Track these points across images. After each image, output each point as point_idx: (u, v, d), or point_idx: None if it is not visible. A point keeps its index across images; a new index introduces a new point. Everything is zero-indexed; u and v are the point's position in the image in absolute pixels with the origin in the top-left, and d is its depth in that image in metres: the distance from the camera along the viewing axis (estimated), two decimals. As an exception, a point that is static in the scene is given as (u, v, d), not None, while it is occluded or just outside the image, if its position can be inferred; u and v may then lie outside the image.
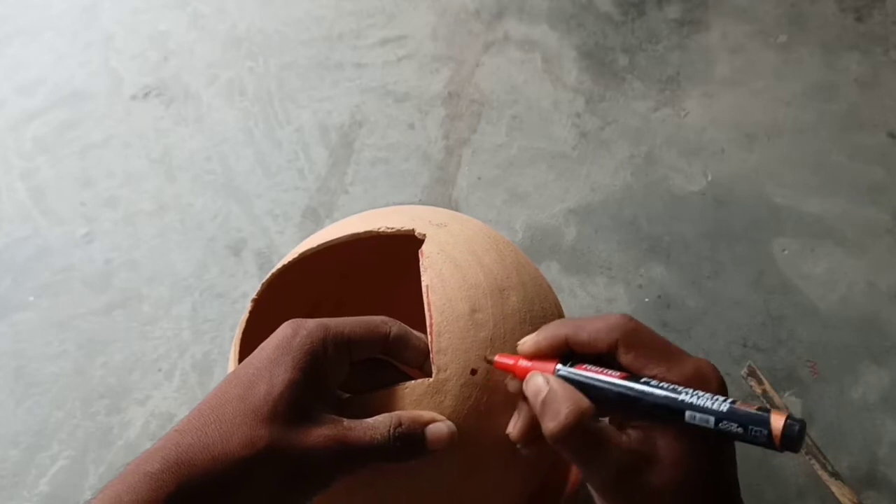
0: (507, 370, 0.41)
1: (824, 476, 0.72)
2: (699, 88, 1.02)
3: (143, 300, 0.86)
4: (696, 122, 0.98)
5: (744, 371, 0.78)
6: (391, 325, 0.40)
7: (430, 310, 0.42)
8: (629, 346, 0.38)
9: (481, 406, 0.41)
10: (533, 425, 0.40)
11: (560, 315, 0.48)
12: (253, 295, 0.48)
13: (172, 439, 0.36)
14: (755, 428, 0.33)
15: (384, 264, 0.52)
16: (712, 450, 0.37)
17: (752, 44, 1.06)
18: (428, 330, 0.41)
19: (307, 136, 0.99)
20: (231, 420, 0.36)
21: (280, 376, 0.37)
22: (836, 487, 0.71)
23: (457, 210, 0.91)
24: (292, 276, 0.48)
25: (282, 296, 0.50)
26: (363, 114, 1.01)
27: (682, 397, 0.35)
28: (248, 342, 0.47)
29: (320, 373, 0.38)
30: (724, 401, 0.35)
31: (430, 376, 0.41)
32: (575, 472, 0.62)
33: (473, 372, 0.41)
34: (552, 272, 0.86)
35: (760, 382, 0.77)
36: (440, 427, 0.39)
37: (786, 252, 0.87)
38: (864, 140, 0.96)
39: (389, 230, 0.46)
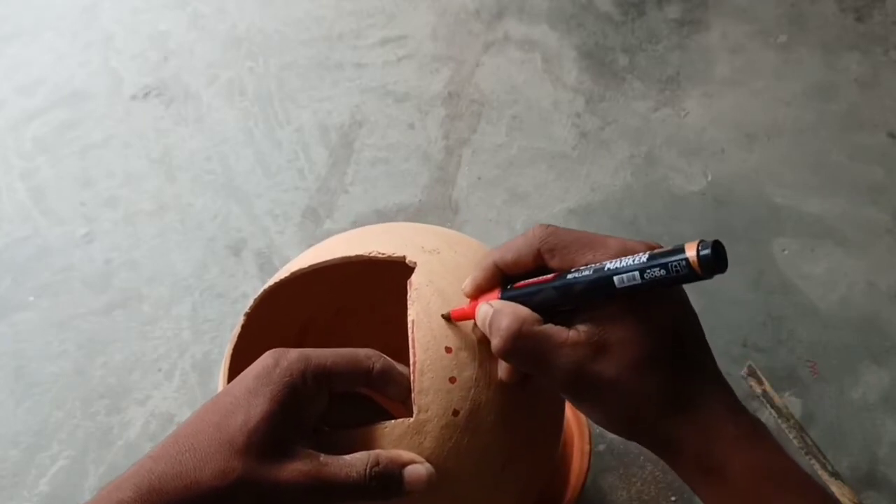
0: (464, 318, 0.42)
1: (824, 476, 0.72)
2: (699, 88, 1.02)
3: (143, 300, 0.86)
4: (696, 122, 0.98)
5: (744, 371, 0.78)
6: (375, 359, 0.40)
7: (414, 347, 0.41)
8: (551, 249, 0.39)
9: (462, 448, 0.40)
10: None
11: None
12: (246, 309, 0.48)
13: (146, 466, 0.35)
14: (674, 263, 0.34)
15: (381, 276, 0.51)
16: (664, 323, 0.37)
17: (752, 44, 1.06)
18: (411, 368, 0.40)
19: (307, 136, 0.99)
20: (206, 449, 0.36)
21: (257, 407, 0.36)
22: (836, 487, 0.71)
23: (457, 210, 0.91)
24: (287, 288, 0.48)
25: (276, 307, 0.49)
26: (363, 114, 1.01)
27: (607, 267, 0.36)
28: (242, 354, 0.47)
29: (299, 405, 0.37)
30: (644, 254, 0.36)
31: (413, 413, 0.40)
32: (573, 483, 0.62)
33: (455, 413, 0.40)
34: (552, 272, 0.86)
35: (760, 382, 0.77)
36: (418, 469, 0.38)
37: (786, 252, 0.87)
38: (864, 140, 0.96)
39: (381, 256, 0.45)
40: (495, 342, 0.38)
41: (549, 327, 0.38)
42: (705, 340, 0.39)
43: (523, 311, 0.38)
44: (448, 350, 0.41)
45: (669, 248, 0.35)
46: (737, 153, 0.95)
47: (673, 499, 0.72)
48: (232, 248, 0.90)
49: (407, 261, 0.45)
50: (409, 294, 0.43)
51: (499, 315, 0.38)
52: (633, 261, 0.36)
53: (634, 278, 0.35)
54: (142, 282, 0.87)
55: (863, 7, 1.08)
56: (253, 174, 0.96)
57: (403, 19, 1.11)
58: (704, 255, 0.33)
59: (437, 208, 0.92)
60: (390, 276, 0.46)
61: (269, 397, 0.36)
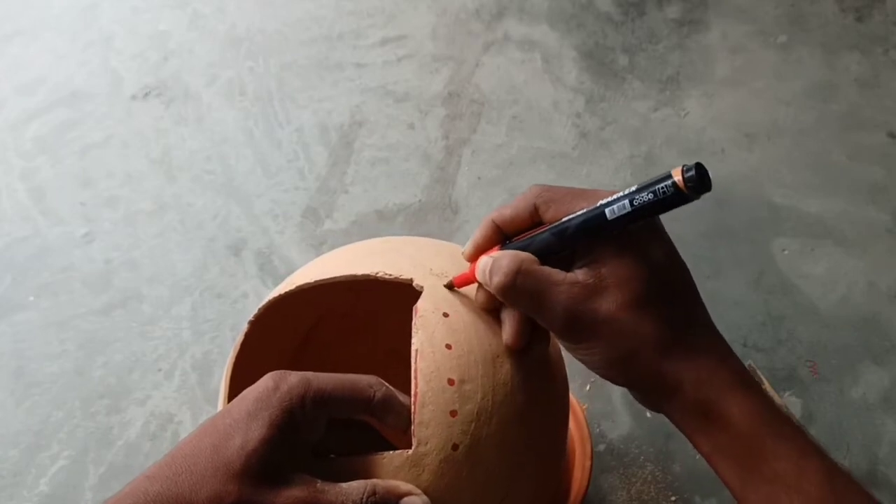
0: (466, 282, 0.43)
1: (824, 476, 0.72)
2: (699, 88, 1.02)
3: (143, 300, 0.86)
4: (696, 122, 0.98)
5: (744, 371, 0.78)
6: (376, 388, 0.39)
7: (416, 377, 0.40)
8: (547, 202, 0.40)
9: (460, 482, 0.40)
10: (522, 324, 0.42)
11: (560, 378, 0.48)
12: (250, 317, 0.47)
13: (141, 486, 0.35)
14: (661, 188, 0.36)
15: (388, 287, 0.51)
16: (658, 267, 0.39)
17: (752, 44, 1.06)
18: (412, 399, 0.40)
19: (307, 136, 0.99)
20: (202, 472, 0.35)
21: (255, 431, 0.36)
22: (836, 487, 0.71)
23: (457, 210, 0.91)
24: (291, 297, 0.47)
25: (279, 315, 0.49)
26: (363, 114, 1.01)
27: (598, 203, 0.38)
28: (245, 362, 0.47)
29: (297, 431, 0.37)
30: (633, 186, 0.38)
31: (412, 444, 0.39)
32: (574, 497, 0.61)
33: (455, 447, 0.40)
34: (552, 272, 0.86)
35: (760, 382, 0.77)
36: (415, 501, 0.38)
37: (786, 252, 0.87)
38: (864, 140, 0.96)
39: (388, 277, 0.45)
40: (496, 280, 0.39)
41: (550, 269, 0.39)
42: (696, 290, 0.41)
43: (522, 253, 0.40)
44: (451, 382, 0.41)
45: (655, 176, 0.37)
46: (737, 153, 0.95)
47: (673, 499, 0.72)
48: (232, 248, 0.90)
49: (414, 284, 0.44)
50: (413, 321, 0.42)
51: (499, 259, 0.40)
52: (623, 192, 0.37)
53: (624, 207, 0.37)
54: (142, 282, 0.87)
55: (863, 7, 1.08)
56: (253, 174, 0.96)
57: (403, 19, 1.11)
58: (690, 176, 0.36)
59: (437, 208, 0.92)
60: (397, 287, 0.46)
61: (268, 422, 0.36)
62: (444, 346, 0.42)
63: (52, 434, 0.78)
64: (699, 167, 0.36)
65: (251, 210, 0.93)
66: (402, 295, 0.47)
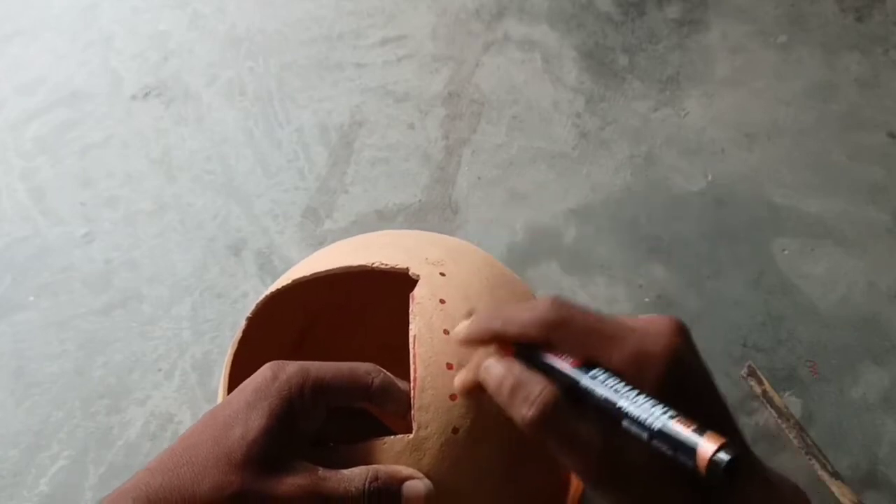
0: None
1: (824, 476, 0.72)
2: (699, 88, 1.02)
3: (143, 300, 0.86)
4: (696, 122, 0.98)
5: (744, 371, 0.78)
6: (375, 375, 0.39)
7: (415, 362, 0.41)
8: (562, 340, 0.35)
9: (461, 465, 0.40)
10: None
11: None
12: (248, 313, 0.48)
13: (143, 479, 0.35)
14: (682, 456, 0.30)
15: (384, 279, 0.51)
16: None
17: (752, 44, 1.06)
18: (411, 384, 0.40)
19: (307, 136, 0.99)
20: (203, 463, 0.36)
21: (255, 421, 0.36)
22: (836, 487, 0.71)
23: (457, 210, 0.91)
24: (288, 291, 0.48)
25: (277, 310, 0.49)
26: (363, 114, 1.01)
27: (619, 403, 0.32)
28: (243, 358, 0.47)
29: (296, 419, 0.37)
30: (663, 413, 0.32)
31: (412, 429, 0.40)
32: (576, 483, 0.61)
33: (455, 431, 0.40)
34: (552, 272, 0.86)
35: (760, 382, 0.77)
36: (417, 485, 0.38)
37: (786, 252, 0.87)
38: (864, 140, 0.96)
39: (384, 267, 0.45)
40: (529, 412, 0.34)
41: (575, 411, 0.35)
42: (731, 415, 0.37)
43: (551, 385, 0.34)
44: (449, 366, 0.41)
45: (692, 425, 0.31)
46: (737, 153, 0.95)
47: (673, 499, 0.71)
48: (232, 248, 0.90)
49: (410, 273, 0.44)
50: (411, 308, 0.43)
51: (527, 382, 0.35)
52: (647, 417, 0.32)
53: (642, 437, 0.32)
54: (142, 282, 0.87)
55: (863, 7, 1.08)
56: (253, 174, 0.96)
57: (403, 19, 1.11)
58: (713, 471, 0.30)
59: (437, 208, 0.92)
60: (393, 279, 0.46)
61: (268, 412, 0.36)
62: (442, 331, 0.42)
63: (52, 434, 0.78)
64: (731, 464, 0.29)
65: (251, 210, 0.93)
66: (394, 288, 0.47)
